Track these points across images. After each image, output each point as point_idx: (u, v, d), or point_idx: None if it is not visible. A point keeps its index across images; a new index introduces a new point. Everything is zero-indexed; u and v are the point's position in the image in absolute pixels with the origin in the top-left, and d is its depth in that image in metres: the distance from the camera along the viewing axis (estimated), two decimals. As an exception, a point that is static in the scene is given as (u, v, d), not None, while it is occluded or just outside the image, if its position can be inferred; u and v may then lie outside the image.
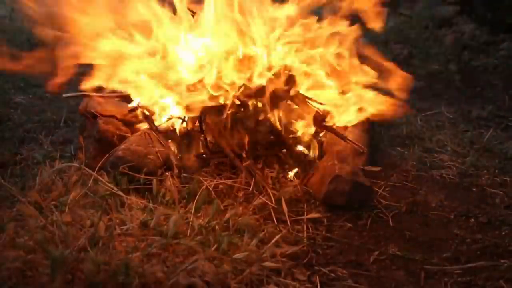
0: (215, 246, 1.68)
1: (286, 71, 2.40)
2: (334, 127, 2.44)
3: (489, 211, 2.16)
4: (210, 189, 2.06)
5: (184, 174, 2.16)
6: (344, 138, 2.29)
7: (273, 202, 2.02)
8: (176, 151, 2.32)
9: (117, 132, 2.29)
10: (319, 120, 2.38)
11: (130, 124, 2.41)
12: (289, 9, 2.44)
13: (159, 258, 1.61)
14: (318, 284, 1.64)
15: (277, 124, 2.37)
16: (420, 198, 2.25)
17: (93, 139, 2.28)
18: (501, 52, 4.89)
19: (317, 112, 2.40)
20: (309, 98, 2.45)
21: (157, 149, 2.18)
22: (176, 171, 2.14)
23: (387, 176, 2.41)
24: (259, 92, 2.31)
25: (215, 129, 2.31)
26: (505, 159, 2.65)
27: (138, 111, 2.41)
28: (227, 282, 1.56)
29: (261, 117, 2.31)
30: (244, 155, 2.23)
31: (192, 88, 2.34)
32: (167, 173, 2.10)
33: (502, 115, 3.41)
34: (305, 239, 1.88)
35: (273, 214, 1.97)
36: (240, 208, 1.96)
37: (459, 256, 1.84)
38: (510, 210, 2.18)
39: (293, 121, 2.44)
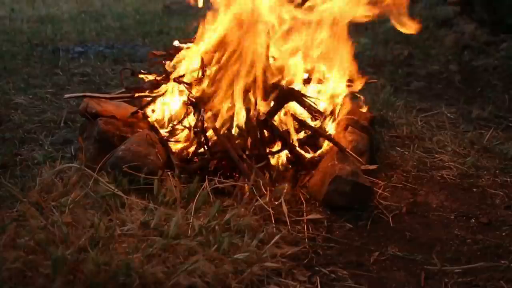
0: (216, 246, 1.68)
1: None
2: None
3: (490, 212, 2.16)
4: (209, 190, 2.05)
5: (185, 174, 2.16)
6: (343, 149, 2.27)
7: (274, 202, 2.01)
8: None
9: (117, 132, 2.29)
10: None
11: (130, 125, 2.40)
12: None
13: (159, 259, 1.61)
14: (319, 285, 1.64)
15: (278, 124, 2.37)
16: (421, 198, 2.25)
17: (93, 140, 2.27)
18: (501, 52, 4.88)
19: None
20: (305, 96, 2.44)
21: (157, 150, 2.18)
22: (176, 171, 2.14)
23: (387, 176, 2.41)
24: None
25: (217, 129, 2.31)
26: (506, 160, 2.64)
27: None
28: (228, 283, 1.56)
29: (262, 118, 2.30)
30: (245, 155, 2.23)
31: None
32: (168, 173, 2.10)
33: (502, 115, 3.41)
34: (306, 240, 1.88)
35: (273, 214, 1.97)
36: (241, 208, 1.96)
37: (459, 257, 1.84)
38: (511, 210, 2.18)
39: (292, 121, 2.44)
